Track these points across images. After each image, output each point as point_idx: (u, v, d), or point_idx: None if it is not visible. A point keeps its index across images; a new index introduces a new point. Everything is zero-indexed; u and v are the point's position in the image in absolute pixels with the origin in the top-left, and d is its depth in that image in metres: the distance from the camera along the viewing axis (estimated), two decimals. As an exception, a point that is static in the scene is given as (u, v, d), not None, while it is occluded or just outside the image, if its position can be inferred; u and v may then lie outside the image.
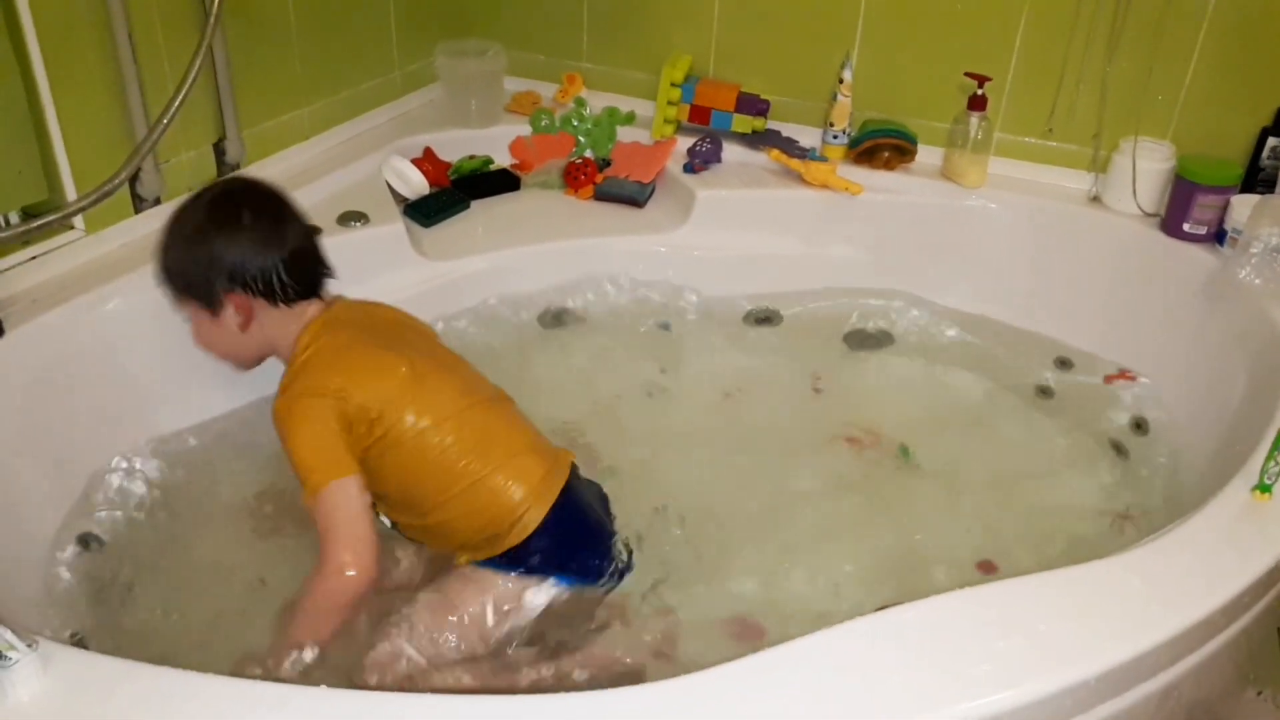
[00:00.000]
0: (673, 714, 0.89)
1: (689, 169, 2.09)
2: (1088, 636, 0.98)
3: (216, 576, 1.39)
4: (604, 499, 1.40)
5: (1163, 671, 1.03)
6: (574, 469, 1.35)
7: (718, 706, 0.90)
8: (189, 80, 1.49)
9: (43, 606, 1.27)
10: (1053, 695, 0.94)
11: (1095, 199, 1.97)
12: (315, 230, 1.35)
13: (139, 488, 1.47)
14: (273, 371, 1.32)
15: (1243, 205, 1.75)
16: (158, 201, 1.65)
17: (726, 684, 0.92)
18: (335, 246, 1.73)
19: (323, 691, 0.92)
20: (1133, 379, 1.85)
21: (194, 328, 1.31)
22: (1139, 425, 1.78)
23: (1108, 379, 1.86)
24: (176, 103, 1.48)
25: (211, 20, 1.52)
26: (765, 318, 2.01)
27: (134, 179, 1.59)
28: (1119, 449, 1.73)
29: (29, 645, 0.87)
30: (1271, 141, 1.81)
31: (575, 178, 2.10)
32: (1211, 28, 1.81)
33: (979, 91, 1.93)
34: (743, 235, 2.02)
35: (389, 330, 1.35)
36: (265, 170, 1.84)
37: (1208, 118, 1.88)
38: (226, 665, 1.17)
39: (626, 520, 1.40)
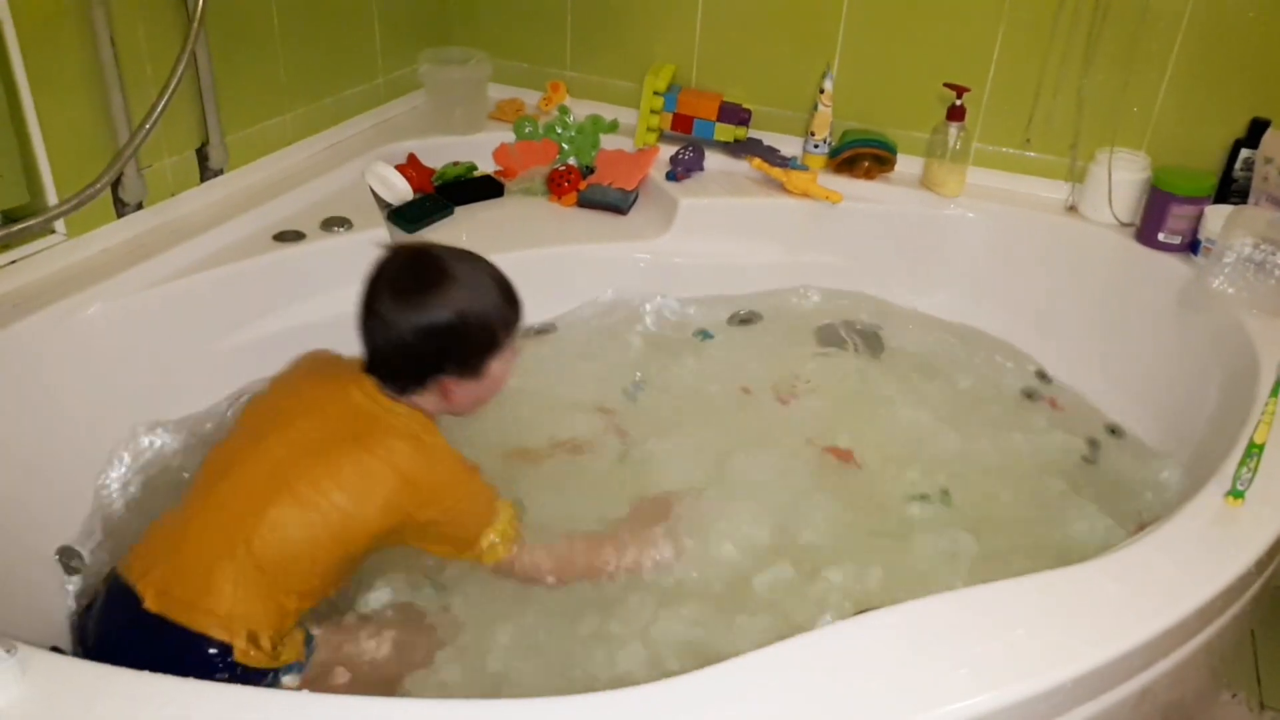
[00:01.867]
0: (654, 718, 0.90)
1: (671, 177, 2.10)
2: (1064, 641, 0.99)
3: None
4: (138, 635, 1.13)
5: (1138, 675, 1.05)
6: (139, 594, 1.12)
7: (698, 711, 0.91)
8: (172, 84, 1.48)
9: (23, 619, 1.26)
10: (1029, 699, 0.95)
11: (1072, 209, 2.00)
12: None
13: (120, 494, 1.46)
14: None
15: (1216, 215, 1.78)
16: (140, 206, 1.65)
17: (705, 688, 0.93)
18: (318, 252, 1.75)
19: (304, 696, 0.92)
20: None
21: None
22: (1114, 432, 1.81)
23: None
24: (159, 107, 1.48)
25: (194, 25, 1.52)
26: (747, 325, 2.02)
27: (116, 184, 1.59)
28: (1094, 456, 1.75)
29: (6, 651, 0.87)
30: (1244, 153, 1.84)
31: (559, 185, 2.11)
32: (1185, 41, 1.84)
33: (957, 102, 1.96)
34: (725, 243, 2.04)
35: None
36: (249, 176, 1.84)
37: (1182, 129, 1.91)
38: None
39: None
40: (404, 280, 1.22)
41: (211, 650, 1.09)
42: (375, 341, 1.24)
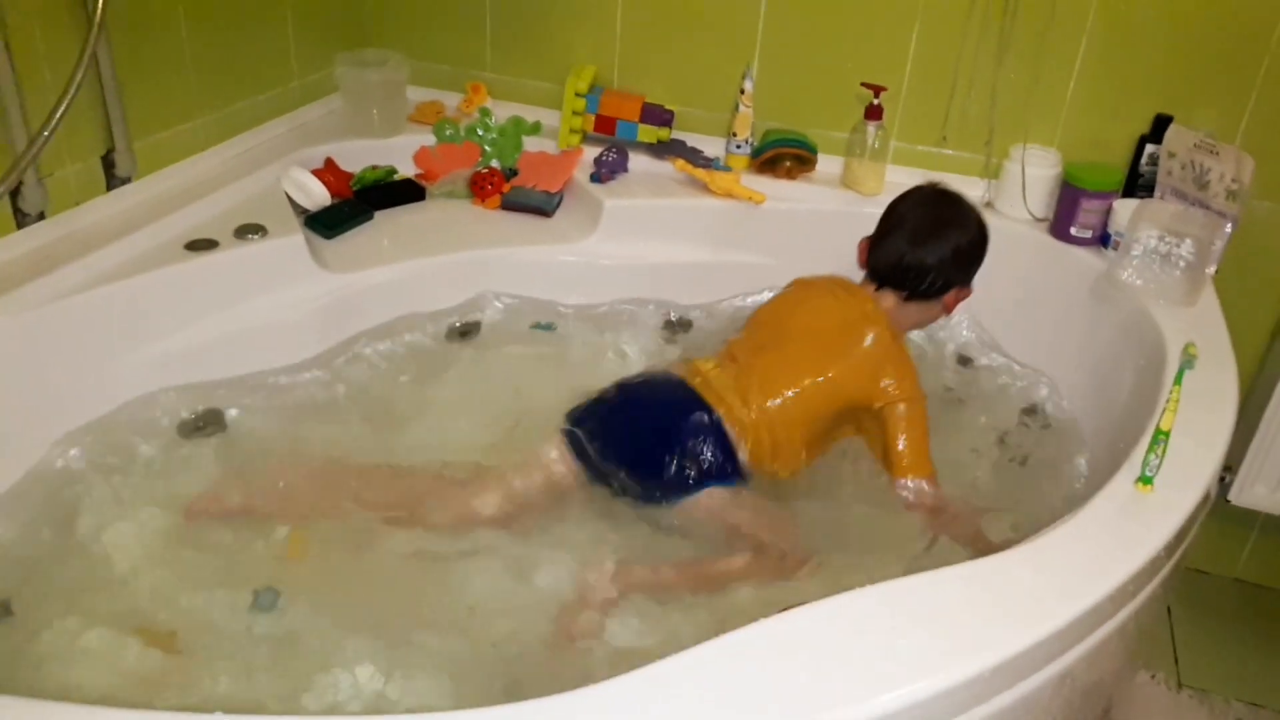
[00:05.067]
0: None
1: (596, 179, 2.09)
2: (983, 630, 1.01)
3: (116, 585, 1.34)
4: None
5: (1056, 659, 1.07)
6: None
7: (615, 716, 0.90)
8: (71, 89, 1.43)
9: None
10: (951, 689, 0.96)
11: (989, 205, 2.04)
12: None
13: (15, 515, 1.41)
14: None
15: (1125, 209, 1.83)
16: (41, 216, 1.58)
17: (622, 692, 0.92)
18: (232, 261, 1.71)
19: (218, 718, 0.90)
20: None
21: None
22: (1033, 412, 1.85)
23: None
24: (59, 112, 1.42)
25: (94, 27, 1.46)
26: (676, 326, 2.02)
27: (15, 193, 1.52)
28: (1009, 441, 1.79)
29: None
30: (1149, 148, 1.90)
31: (482, 187, 2.09)
32: (1091, 40, 1.90)
33: (875, 101, 1.98)
34: (650, 244, 2.03)
35: None
36: (159, 183, 1.79)
37: (1091, 125, 1.96)
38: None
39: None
40: (935, 209, 1.64)
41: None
42: (904, 259, 1.61)
